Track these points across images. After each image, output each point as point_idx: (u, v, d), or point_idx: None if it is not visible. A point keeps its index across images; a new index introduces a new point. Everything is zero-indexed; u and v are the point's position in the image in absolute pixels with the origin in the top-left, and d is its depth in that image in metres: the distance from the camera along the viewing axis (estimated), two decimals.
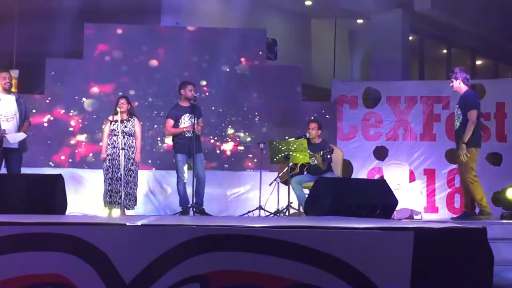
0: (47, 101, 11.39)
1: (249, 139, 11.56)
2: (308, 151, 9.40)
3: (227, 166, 11.50)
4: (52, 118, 11.40)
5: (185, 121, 9.52)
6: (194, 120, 9.34)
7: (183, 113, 9.55)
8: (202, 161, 9.62)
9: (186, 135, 9.44)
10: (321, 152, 9.32)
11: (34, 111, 10.97)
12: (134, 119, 9.55)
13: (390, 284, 3.47)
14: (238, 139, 11.64)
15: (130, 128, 9.44)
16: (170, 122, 9.63)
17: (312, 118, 10.56)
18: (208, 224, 3.68)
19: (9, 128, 8.68)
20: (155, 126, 11.57)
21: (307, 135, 9.81)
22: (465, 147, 8.46)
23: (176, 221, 4.13)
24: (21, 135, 8.75)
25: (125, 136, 9.34)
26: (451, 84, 8.85)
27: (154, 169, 11.31)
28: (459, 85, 8.76)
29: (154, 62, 11.74)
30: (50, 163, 11.10)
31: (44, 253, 3.56)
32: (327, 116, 11.68)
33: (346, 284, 3.49)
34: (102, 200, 9.42)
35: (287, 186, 9.42)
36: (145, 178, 10.80)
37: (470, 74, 8.97)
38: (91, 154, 11.21)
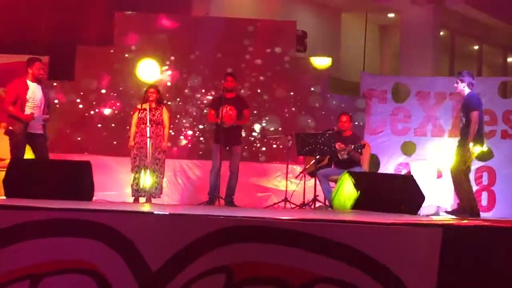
0: (77, 88, 11.47)
1: (276, 130, 11.55)
2: (339, 143, 9.41)
3: (254, 157, 11.51)
4: (81, 106, 11.48)
5: (224, 112, 9.56)
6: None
7: (222, 104, 9.57)
8: (237, 154, 9.68)
9: (224, 126, 9.48)
10: (352, 146, 9.30)
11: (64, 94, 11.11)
12: (162, 108, 9.58)
13: (416, 281, 3.45)
14: (265, 131, 11.65)
15: (158, 117, 9.47)
16: (211, 112, 9.75)
17: (343, 111, 10.53)
18: (234, 215, 3.68)
19: (35, 116, 8.69)
20: (184, 115, 11.62)
21: (335, 128, 9.80)
22: (470, 147, 8.55)
23: (203, 211, 4.14)
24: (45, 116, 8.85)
25: (153, 125, 9.37)
26: (456, 85, 8.97)
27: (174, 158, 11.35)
28: (463, 89, 8.93)
29: (183, 52, 11.76)
30: (78, 149, 11.16)
31: (72, 239, 3.59)
32: (352, 109, 11.64)
33: (371, 279, 3.47)
34: (130, 188, 9.49)
35: (313, 179, 9.41)
36: (170, 167, 10.84)
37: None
38: (119, 142, 11.25)
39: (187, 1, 13.54)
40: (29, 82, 8.69)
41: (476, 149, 8.66)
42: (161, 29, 11.85)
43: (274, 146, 11.60)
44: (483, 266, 3.50)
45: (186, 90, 11.74)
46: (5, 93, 8.84)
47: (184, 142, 11.66)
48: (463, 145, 8.66)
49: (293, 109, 11.78)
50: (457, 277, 3.48)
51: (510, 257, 3.53)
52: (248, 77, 11.79)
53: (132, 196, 9.47)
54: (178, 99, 11.68)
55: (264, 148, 11.69)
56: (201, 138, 11.68)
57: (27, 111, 8.61)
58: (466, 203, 8.72)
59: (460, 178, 8.80)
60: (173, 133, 11.19)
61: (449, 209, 11.06)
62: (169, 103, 11.16)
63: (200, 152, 11.59)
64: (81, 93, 11.52)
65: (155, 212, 3.68)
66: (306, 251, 3.49)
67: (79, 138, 11.39)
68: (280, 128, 11.58)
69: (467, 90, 8.92)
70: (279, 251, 3.51)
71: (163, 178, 9.58)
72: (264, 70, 11.84)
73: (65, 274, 3.56)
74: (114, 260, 3.55)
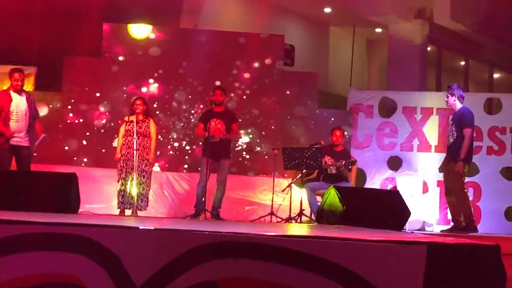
0: (63, 98, 11.45)
1: (263, 144, 11.56)
2: (329, 157, 9.44)
3: (240, 171, 11.50)
4: (67, 117, 11.45)
5: (213, 126, 9.58)
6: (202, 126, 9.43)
7: (211, 117, 9.60)
8: (225, 168, 9.70)
9: (212, 140, 9.49)
10: (343, 162, 9.33)
11: (52, 105, 11.12)
12: (149, 120, 9.57)
13: None
14: (252, 144, 11.66)
15: (144, 129, 9.46)
16: (200, 125, 9.78)
17: (337, 125, 10.55)
18: (220, 231, 3.68)
19: (19, 128, 8.72)
20: (171, 127, 11.62)
21: (322, 142, 9.84)
22: (462, 163, 8.56)
23: (189, 226, 4.14)
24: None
25: (140, 137, 9.36)
26: (446, 100, 9.02)
27: (160, 170, 11.33)
28: (454, 102, 8.96)
29: (172, 64, 11.77)
30: (64, 161, 11.13)
31: (57, 253, 3.57)
32: (339, 123, 11.66)
33: None
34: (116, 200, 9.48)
35: (300, 194, 9.42)
36: (157, 179, 10.83)
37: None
38: (106, 153, 11.23)
39: (176, 14, 13.56)
40: (12, 94, 8.70)
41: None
42: (150, 41, 11.85)
43: (261, 159, 11.60)
44: (467, 283, 3.52)
45: (173, 103, 11.74)
46: None
47: (171, 154, 11.63)
48: (455, 161, 8.66)
49: (281, 122, 11.79)
50: None
51: (494, 274, 3.55)
52: (236, 90, 11.81)
53: (118, 208, 9.43)
54: (166, 112, 11.67)
55: (251, 162, 11.69)
56: (189, 151, 11.67)
57: (11, 123, 8.63)
58: (468, 219, 8.72)
59: (463, 196, 8.81)
60: (160, 146, 11.19)
61: (434, 223, 11.14)
62: (157, 114, 11.16)
63: (187, 165, 11.58)
64: (68, 104, 11.48)
65: (141, 227, 3.67)
66: (292, 267, 3.49)
67: (66, 149, 11.34)
68: (267, 142, 11.58)
69: (458, 104, 8.92)
70: (265, 267, 3.51)
71: (149, 190, 9.56)
72: (252, 83, 11.86)
73: None
74: (98, 274, 3.54)
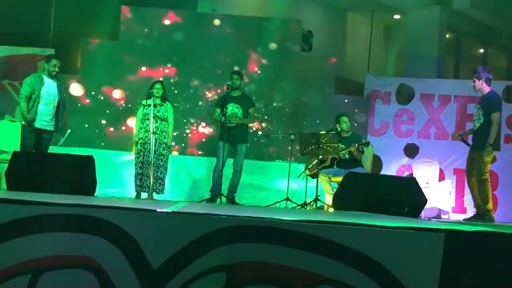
0: (81, 81, 11.47)
1: (280, 129, 11.54)
2: (341, 144, 9.41)
3: (257, 155, 11.50)
4: (84, 99, 11.48)
5: (228, 110, 9.57)
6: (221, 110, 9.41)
7: (228, 102, 9.61)
8: (242, 153, 9.72)
9: (230, 124, 9.49)
10: (356, 145, 9.30)
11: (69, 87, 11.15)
12: (167, 104, 9.58)
13: (418, 285, 3.44)
14: (269, 130, 11.64)
15: (163, 113, 9.47)
16: (217, 110, 9.76)
17: (342, 112, 10.52)
18: (237, 215, 3.67)
19: (47, 112, 8.97)
20: (187, 111, 11.63)
21: (338, 128, 9.80)
22: (491, 149, 8.43)
23: (206, 210, 4.13)
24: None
25: (158, 121, 9.37)
26: (473, 84, 8.82)
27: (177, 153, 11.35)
28: (482, 86, 8.73)
29: (189, 48, 11.76)
30: (82, 143, 11.15)
31: (74, 235, 3.57)
32: (356, 110, 11.65)
33: (373, 282, 3.46)
34: (133, 184, 9.51)
35: (315, 180, 9.40)
36: (173, 163, 10.85)
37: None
38: (123, 137, 11.26)
39: None
40: (45, 78, 8.96)
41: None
42: (168, 25, 11.85)
43: (278, 144, 11.59)
44: (486, 271, 3.49)
45: (190, 87, 11.74)
46: (21, 86, 9.09)
47: (187, 139, 11.64)
48: (484, 149, 8.50)
49: (298, 108, 11.78)
50: (459, 282, 3.47)
51: None
52: (253, 75, 11.80)
53: (136, 191, 9.47)
54: (183, 96, 11.68)
55: (267, 147, 11.69)
56: (205, 136, 11.68)
57: (40, 106, 8.89)
58: (487, 209, 8.61)
59: (485, 184, 8.65)
60: (177, 130, 11.21)
61: (450, 212, 11.09)
62: (174, 98, 11.17)
63: (203, 149, 11.58)
64: (85, 87, 11.51)
65: (158, 210, 3.67)
66: (309, 252, 3.48)
67: (82, 132, 11.37)
68: (283, 127, 11.57)
69: (486, 87, 8.72)
70: (281, 252, 3.50)
71: (166, 174, 9.58)
72: (269, 69, 11.84)
73: (66, 269, 3.55)
74: (115, 256, 3.54)
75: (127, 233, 3.54)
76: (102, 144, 11.36)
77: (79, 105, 11.43)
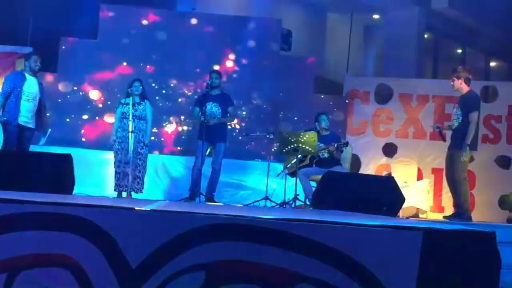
0: (59, 80, 11.41)
1: (259, 128, 11.54)
2: (320, 143, 9.42)
3: (236, 154, 11.49)
4: (63, 98, 11.41)
5: (209, 110, 9.56)
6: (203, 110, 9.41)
7: (207, 101, 9.59)
8: (220, 152, 9.72)
9: (209, 123, 9.48)
10: (336, 144, 9.31)
11: (47, 86, 11.07)
12: (146, 103, 9.56)
13: (395, 283, 3.46)
14: (248, 129, 11.63)
15: (141, 112, 9.45)
16: (196, 109, 9.73)
17: (321, 110, 10.53)
18: (216, 213, 3.67)
19: (28, 109, 8.95)
20: (166, 110, 11.60)
21: (317, 127, 9.82)
22: (468, 149, 8.49)
23: (185, 208, 4.13)
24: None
25: (135, 120, 9.35)
26: (452, 83, 8.86)
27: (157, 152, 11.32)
28: (461, 85, 8.77)
29: (168, 47, 11.73)
30: (60, 142, 11.09)
31: (52, 233, 3.56)
32: (335, 110, 11.67)
33: (351, 280, 3.48)
34: (112, 183, 9.48)
35: (294, 178, 9.42)
36: (152, 162, 10.83)
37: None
38: (101, 136, 11.22)
39: None
40: (26, 75, 8.97)
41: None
42: (147, 23, 11.80)
43: (257, 144, 11.59)
44: (463, 269, 3.52)
45: (170, 86, 11.71)
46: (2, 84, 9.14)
47: (166, 138, 11.61)
48: (461, 148, 8.56)
49: (277, 107, 11.78)
50: (436, 280, 3.50)
51: (489, 261, 3.55)
52: (233, 74, 11.79)
53: (115, 191, 9.44)
54: (162, 94, 11.64)
55: (246, 146, 11.68)
56: (184, 135, 11.65)
57: (22, 102, 8.88)
58: (464, 208, 8.65)
59: (463, 184, 8.70)
60: (155, 129, 11.19)
61: (428, 211, 11.14)
62: (155, 98, 11.15)
63: (181, 148, 11.56)
64: (64, 85, 11.44)
65: (136, 208, 3.66)
66: (287, 250, 3.50)
67: (61, 130, 11.30)
68: (262, 126, 11.56)
69: (465, 87, 8.75)
70: (260, 250, 3.51)
71: (145, 173, 9.56)
72: (248, 67, 11.83)
73: (44, 268, 3.54)
74: (93, 254, 3.53)
75: (105, 232, 3.54)
76: (81, 142, 11.29)
77: (57, 103, 11.34)
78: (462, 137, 8.54)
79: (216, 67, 11.11)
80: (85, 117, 11.46)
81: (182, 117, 11.65)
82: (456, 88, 8.83)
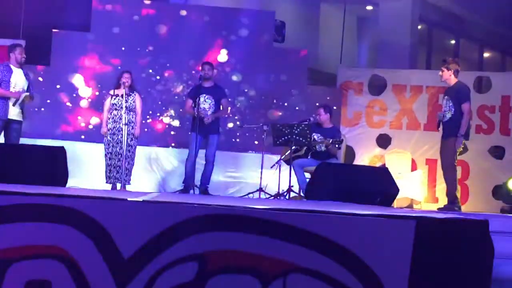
0: (52, 73, 11.37)
1: (253, 120, 11.53)
2: (319, 135, 9.42)
3: (229, 147, 11.49)
4: (55, 90, 11.38)
5: (200, 101, 9.53)
6: (197, 101, 9.38)
7: (200, 93, 9.57)
8: (214, 143, 9.70)
9: (202, 116, 9.47)
10: (331, 141, 9.29)
11: (40, 79, 11.06)
12: (135, 94, 9.55)
13: (389, 272, 3.46)
14: (242, 120, 11.62)
15: (131, 103, 9.45)
16: (188, 101, 9.73)
17: (319, 103, 10.55)
18: (209, 203, 3.66)
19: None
20: (160, 102, 11.57)
21: (311, 119, 9.82)
22: (463, 139, 8.57)
23: (177, 199, 4.12)
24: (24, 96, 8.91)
25: (126, 111, 9.33)
26: (441, 73, 8.90)
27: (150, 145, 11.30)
28: (449, 77, 8.83)
29: (161, 39, 11.70)
30: (52, 135, 11.08)
31: (43, 225, 3.55)
32: (329, 100, 11.65)
33: (344, 270, 3.48)
34: (103, 175, 9.46)
35: (288, 170, 9.41)
36: (146, 154, 10.82)
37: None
38: (92, 128, 11.20)
39: None
40: (12, 67, 8.91)
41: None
42: (140, 16, 11.76)
43: (250, 135, 11.57)
44: (456, 258, 3.52)
45: (163, 78, 11.67)
46: None
47: (159, 130, 11.58)
48: (456, 138, 8.60)
49: (271, 99, 11.76)
50: (429, 269, 3.50)
51: (482, 249, 3.55)
52: (226, 66, 11.76)
53: (107, 183, 9.43)
54: (155, 87, 11.61)
55: (240, 138, 11.67)
56: (176, 127, 11.62)
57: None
58: (454, 197, 8.71)
59: (454, 173, 8.78)
60: (149, 120, 11.18)
61: (422, 202, 11.16)
62: (148, 91, 11.14)
63: (174, 140, 11.52)
64: (57, 78, 11.40)
65: (129, 199, 3.65)
66: (281, 240, 3.49)
67: (54, 123, 11.28)
68: (256, 118, 11.55)
69: (454, 78, 8.83)
70: (253, 240, 3.50)
71: (133, 165, 9.54)
72: (242, 60, 11.80)
73: (36, 260, 3.52)
74: (86, 246, 3.52)
75: (98, 223, 3.53)
76: (72, 134, 11.25)
77: (50, 96, 11.31)
78: (456, 127, 8.61)
79: (209, 59, 11.08)
80: (78, 109, 11.40)
81: (175, 109, 11.60)
82: (444, 78, 8.92)
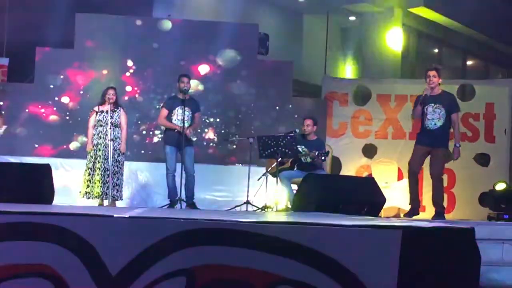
0: (36, 90, 11.34)
1: (238, 133, 11.53)
2: (303, 147, 9.42)
3: (215, 160, 11.48)
4: (40, 108, 11.34)
5: (178, 114, 9.50)
6: (182, 114, 9.37)
7: (177, 105, 9.54)
8: (191, 155, 9.60)
9: (179, 128, 9.42)
10: (316, 153, 9.26)
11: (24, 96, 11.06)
12: (120, 110, 9.53)
13: (376, 282, 3.46)
14: (227, 133, 11.62)
15: (116, 119, 9.42)
16: (164, 112, 9.64)
17: (305, 115, 10.55)
18: (196, 218, 3.66)
19: None
20: (144, 118, 11.55)
21: (297, 131, 9.81)
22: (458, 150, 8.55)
23: (164, 214, 4.12)
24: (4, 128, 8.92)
25: (111, 127, 9.31)
26: (434, 79, 8.52)
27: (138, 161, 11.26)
28: (438, 84, 8.62)
29: (144, 54, 11.68)
30: (37, 152, 11.04)
31: (30, 243, 3.53)
32: (314, 111, 11.67)
33: (332, 281, 3.48)
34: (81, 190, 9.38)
35: (275, 182, 9.41)
36: (132, 169, 10.79)
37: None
38: (77, 144, 11.17)
39: (149, 4, 13.48)
40: None
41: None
42: (122, 31, 11.75)
43: (237, 148, 11.57)
44: (443, 266, 3.53)
45: (146, 92, 11.64)
46: None
47: (132, 144, 11.48)
48: (447, 148, 8.59)
49: (256, 111, 11.77)
50: (416, 278, 3.51)
51: (469, 257, 3.57)
52: (211, 79, 11.76)
53: (83, 197, 9.32)
54: (138, 101, 11.58)
55: (226, 151, 11.66)
56: (148, 140, 11.55)
57: None
58: (441, 206, 8.68)
59: (442, 182, 8.78)
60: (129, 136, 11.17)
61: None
62: (131, 105, 11.11)
63: (149, 154, 11.45)
64: (41, 95, 11.36)
65: (115, 215, 3.64)
66: (268, 253, 3.49)
67: (37, 141, 11.23)
68: (242, 130, 11.55)
69: (438, 87, 8.70)
70: (241, 254, 3.50)
71: (123, 180, 9.51)
72: (226, 73, 11.81)
73: (23, 279, 3.51)
74: (73, 263, 3.51)
75: (84, 240, 3.51)
76: (57, 151, 11.21)
77: (34, 113, 11.27)
78: (445, 137, 8.56)
79: (194, 72, 11.09)
80: (62, 126, 11.35)
81: (147, 122, 11.55)
82: (435, 85, 8.63)
